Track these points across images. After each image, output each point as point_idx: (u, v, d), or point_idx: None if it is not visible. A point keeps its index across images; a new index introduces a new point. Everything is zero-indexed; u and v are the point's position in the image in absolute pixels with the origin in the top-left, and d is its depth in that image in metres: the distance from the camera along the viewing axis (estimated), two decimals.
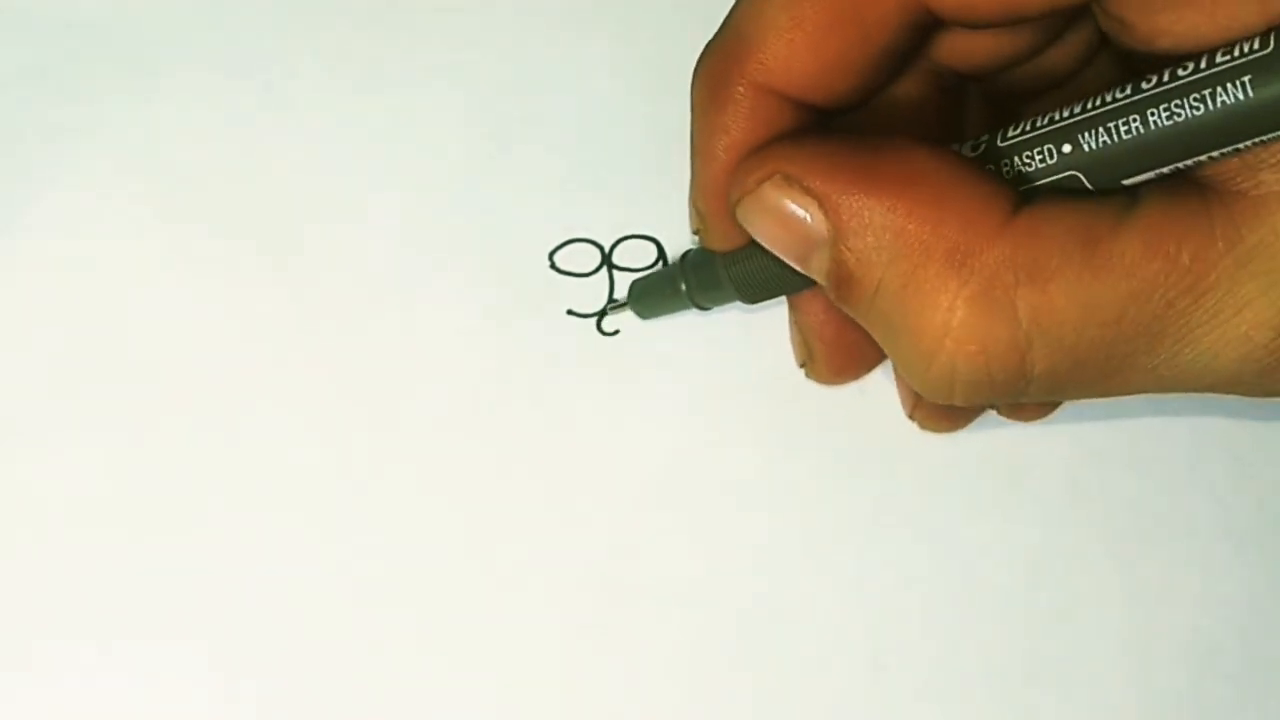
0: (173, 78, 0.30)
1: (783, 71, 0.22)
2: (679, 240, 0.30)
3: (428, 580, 0.29)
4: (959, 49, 0.24)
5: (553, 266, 0.30)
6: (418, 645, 0.28)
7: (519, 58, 0.31)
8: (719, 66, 0.23)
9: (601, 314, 0.30)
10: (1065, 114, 0.21)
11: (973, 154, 0.22)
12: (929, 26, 0.22)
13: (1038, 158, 0.21)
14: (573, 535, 0.29)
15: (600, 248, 0.30)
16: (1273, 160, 0.19)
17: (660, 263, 0.30)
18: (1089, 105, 0.21)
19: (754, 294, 0.26)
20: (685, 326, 0.30)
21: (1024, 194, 0.21)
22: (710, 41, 0.24)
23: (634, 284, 0.29)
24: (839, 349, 0.28)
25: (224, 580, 0.28)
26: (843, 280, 0.22)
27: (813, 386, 0.30)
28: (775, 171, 0.22)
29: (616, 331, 0.30)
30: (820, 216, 0.21)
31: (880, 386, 0.30)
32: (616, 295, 0.30)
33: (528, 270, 0.30)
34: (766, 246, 0.23)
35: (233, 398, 0.29)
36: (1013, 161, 0.22)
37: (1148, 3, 0.20)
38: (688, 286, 0.28)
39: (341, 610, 0.28)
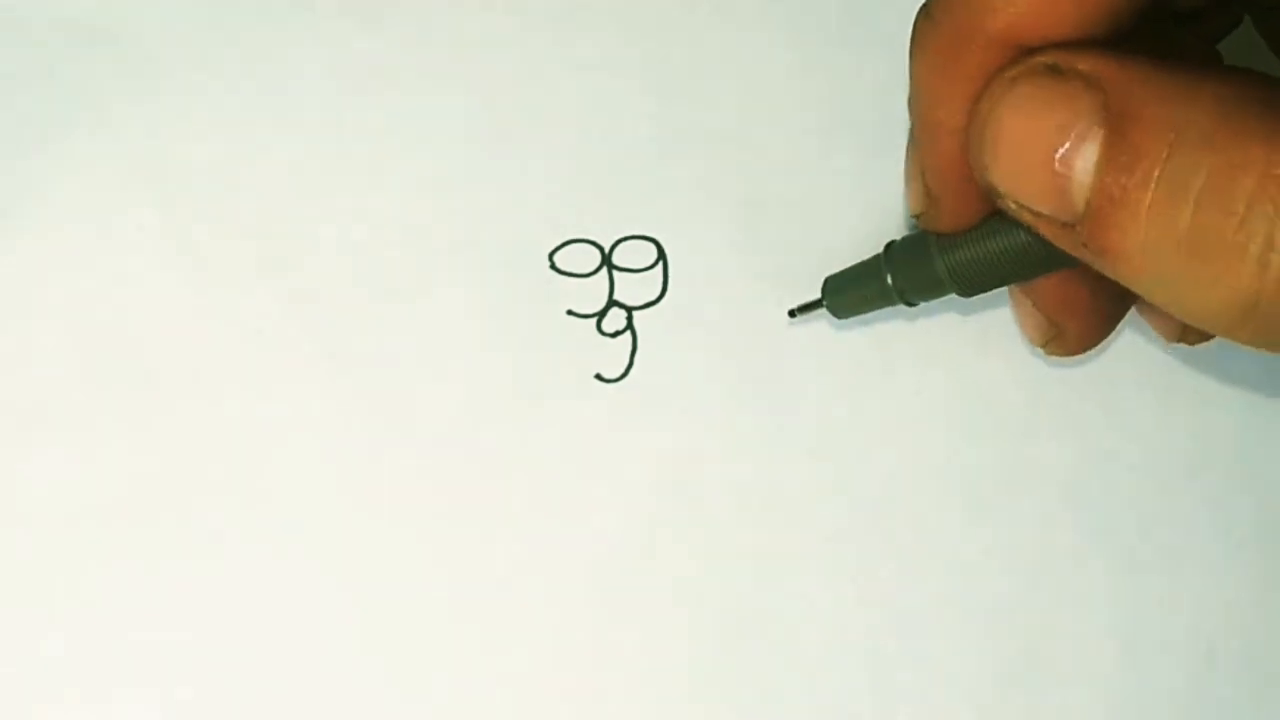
0: (173, 78, 0.30)
1: (1038, 24, 0.19)
2: (679, 240, 0.30)
3: (429, 580, 0.29)
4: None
5: (553, 267, 0.30)
6: (418, 645, 0.28)
7: (519, 57, 0.31)
8: (956, 24, 0.20)
9: (791, 313, 0.28)
10: None
11: None
12: None
13: None
14: (572, 535, 0.29)
15: (600, 248, 0.30)
16: None
17: (660, 264, 0.30)
18: None
19: (975, 284, 0.24)
20: (686, 326, 0.30)
21: None
22: (927, 5, 0.21)
23: (829, 280, 0.27)
24: (1087, 313, 0.25)
25: (224, 580, 0.28)
26: (1125, 155, 0.18)
27: (799, 390, 0.30)
28: (1034, 65, 0.19)
29: (617, 332, 0.30)
30: (1093, 99, 0.18)
31: (881, 387, 0.30)
32: (618, 297, 0.29)
33: (528, 270, 0.30)
34: (1013, 174, 0.20)
35: (233, 397, 0.29)
36: None
37: None
38: (894, 279, 0.25)
39: (342, 610, 0.28)
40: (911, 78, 0.22)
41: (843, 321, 0.28)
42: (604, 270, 0.30)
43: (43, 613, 0.28)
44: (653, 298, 0.30)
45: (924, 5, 0.21)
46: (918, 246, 0.25)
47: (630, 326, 0.30)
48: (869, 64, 0.31)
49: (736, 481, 0.29)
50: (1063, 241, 0.20)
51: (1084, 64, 0.19)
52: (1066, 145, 0.19)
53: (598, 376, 0.30)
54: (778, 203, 0.30)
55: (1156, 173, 0.18)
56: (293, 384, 0.29)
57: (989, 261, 0.23)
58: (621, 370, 0.30)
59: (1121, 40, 0.20)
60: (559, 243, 0.30)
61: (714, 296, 0.30)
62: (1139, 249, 0.18)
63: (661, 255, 0.30)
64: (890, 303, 0.26)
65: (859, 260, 0.27)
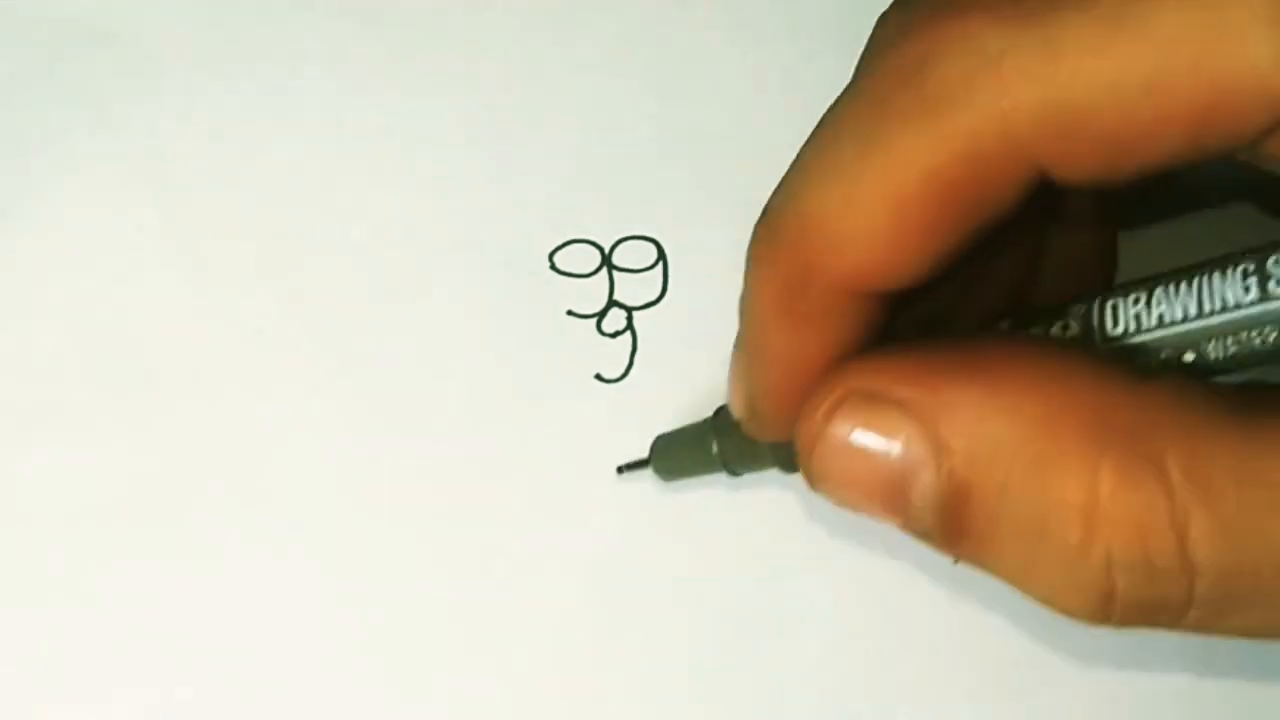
0: (173, 78, 0.30)
1: (878, 273, 0.18)
2: (679, 240, 0.30)
3: (428, 580, 0.29)
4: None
5: (553, 267, 0.30)
6: (418, 645, 0.28)
7: (519, 57, 0.31)
8: (795, 267, 0.19)
9: (619, 469, 0.28)
10: (1178, 315, 0.18)
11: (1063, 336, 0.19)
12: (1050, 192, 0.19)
13: (1156, 356, 0.18)
14: (572, 535, 0.29)
15: (600, 248, 0.30)
16: None
17: (660, 264, 0.30)
18: (1205, 306, 0.18)
19: (795, 464, 0.23)
20: (686, 326, 0.30)
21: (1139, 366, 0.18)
22: (771, 228, 0.20)
23: (658, 440, 0.27)
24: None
25: (223, 580, 0.28)
26: (958, 499, 0.18)
27: None
28: (849, 393, 0.19)
29: (617, 332, 0.30)
30: (914, 430, 0.18)
31: None
32: (618, 297, 0.29)
33: (528, 270, 0.30)
34: (848, 502, 0.19)
35: (233, 397, 0.29)
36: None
37: None
38: (721, 450, 0.25)
39: (342, 610, 0.28)
40: (745, 293, 0.21)
41: None
42: (604, 270, 0.30)
43: (42, 612, 0.28)
44: (653, 298, 0.30)
45: (764, 212, 0.20)
46: None
47: (630, 326, 0.30)
48: None
49: (738, 480, 0.29)
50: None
51: (901, 390, 0.18)
52: (898, 483, 0.19)
53: (598, 376, 0.30)
54: None
55: (992, 509, 0.18)
56: (293, 384, 0.29)
57: None
58: (621, 370, 0.30)
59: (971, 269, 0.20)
60: (559, 243, 0.30)
61: (714, 296, 0.30)
62: (990, 559, 0.19)
63: (661, 255, 0.30)
64: (715, 470, 0.25)
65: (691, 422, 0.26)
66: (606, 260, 0.30)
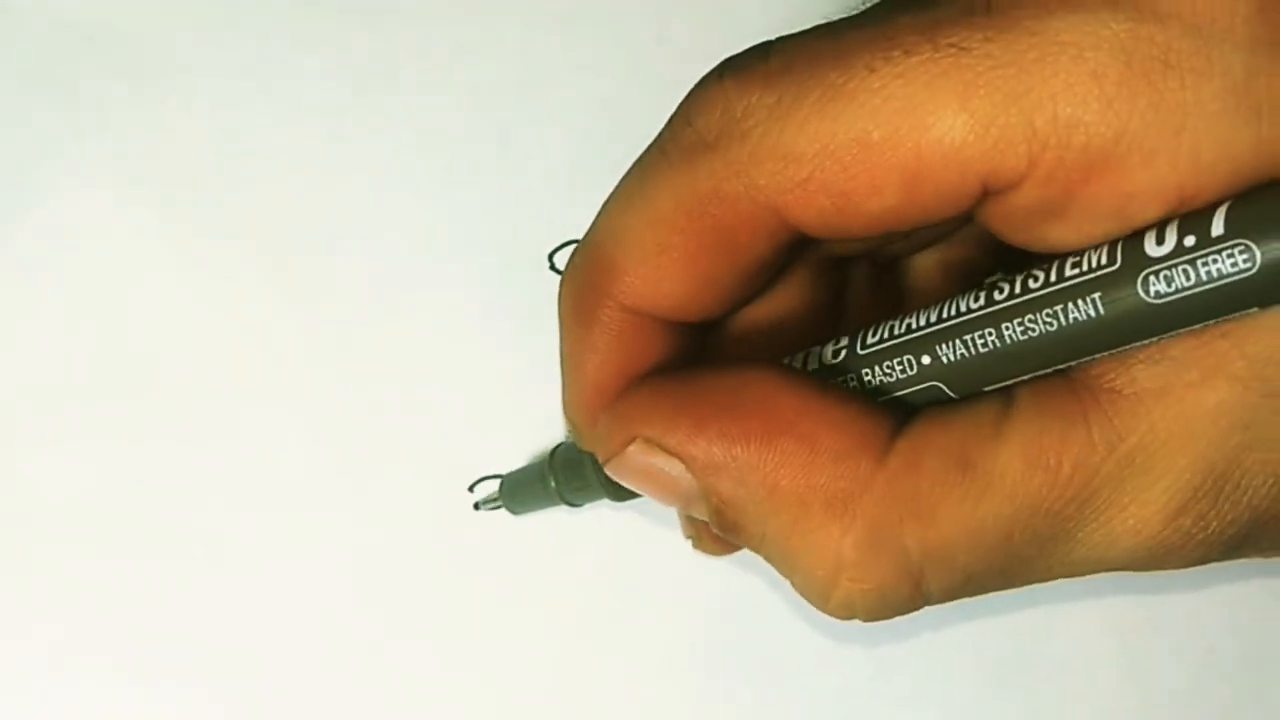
0: (173, 78, 0.30)
1: (650, 295, 0.21)
2: None
3: (428, 580, 0.29)
4: (834, 246, 0.23)
5: (552, 267, 0.30)
6: (418, 645, 0.28)
7: (519, 58, 0.31)
8: (584, 284, 0.22)
9: (476, 506, 0.29)
10: (921, 322, 0.20)
11: (834, 360, 0.22)
12: (803, 240, 0.21)
13: (898, 368, 0.21)
14: (572, 534, 0.29)
15: None
16: (1144, 357, 0.19)
17: None
18: (944, 314, 0.20)
19: (624, 494, 0.25)
20: None
21: (898, 409, 0.21)
22: (574, 254, 0.23)
23: (505, 479, 0.29)
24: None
25: (222, 580, 0.28)
26: (727, 527, 0.21)
27: None
28: (634, 436, 0.21)
29: None
30: (689, 476, 0.21)
31: None
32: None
33: (528, 270, 0.30)
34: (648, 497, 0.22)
35: (233, 397, 0.29)
36: (874, 370, 0.21)
37: (1016, 220, 0.19)
38: (557, 484, 0.27)
39: (342, 610, 0.28)
40: (558, 313, 0.23)
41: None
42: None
43: (42, 612, 0.28)
44: None
45: (575, 250, 0.23)
46: (575, 455, 0.26)
47: None
48: None
49: None
50: None
51: (678, 444, 0.21)
52: (681, 495, 0.21)
53: None
54: None
55: (754, 544, 0.21)
56: (292, 383, 0.29)
57: None
58: None
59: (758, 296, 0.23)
60: (559, 243, 0.30)
61: None
62: (761, 554, 0.22)
63: None
64: (555, 503, 0.27)
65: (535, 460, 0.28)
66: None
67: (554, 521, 0.29)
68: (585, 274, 0.22)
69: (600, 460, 0.22)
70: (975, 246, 0.25)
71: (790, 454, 0.20)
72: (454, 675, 0.28)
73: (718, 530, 0.22)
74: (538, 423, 0.29)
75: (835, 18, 0.20)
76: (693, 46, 0.31)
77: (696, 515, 0.22)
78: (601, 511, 0.29)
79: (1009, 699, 0.29)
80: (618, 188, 0.22)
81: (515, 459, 0.29)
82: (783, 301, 0.24)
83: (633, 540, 0.29)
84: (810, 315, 0.24)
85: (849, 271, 0.25)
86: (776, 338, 0.23)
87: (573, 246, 0.31)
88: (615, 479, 0.22)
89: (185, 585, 0.28)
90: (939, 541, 0.20)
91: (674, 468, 0.21)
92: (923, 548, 0.20)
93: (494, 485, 0.29)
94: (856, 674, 0.29)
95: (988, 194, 0.19)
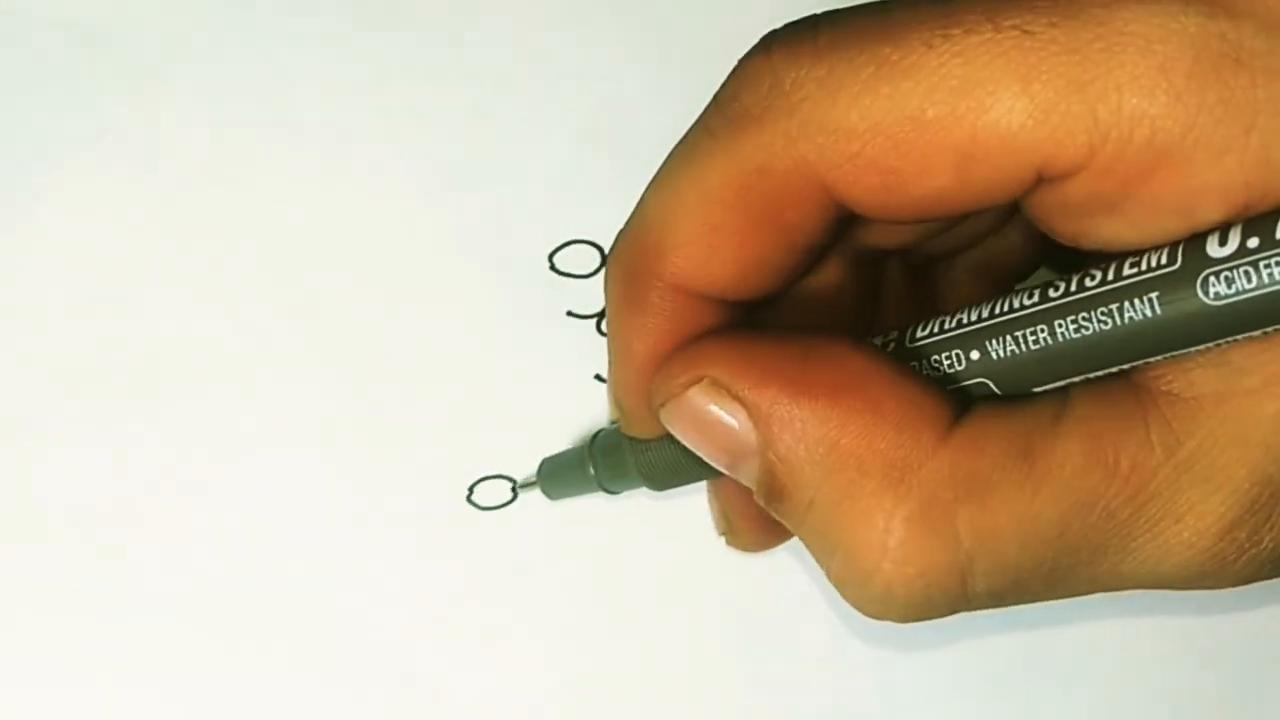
0: (173, 78, 0.30)
1: (700, 274, 0.21)
2: None
3: (428, 580, 0.29)
4: (878, 232, 0.23)
5: (552, 267, 0.30)
6: (419, 645, 0.28)
7: (519, 58, 0.31)
8: (633, 265, 0.22)
9: (514, 492, 0.29)
10: (973, 318, 0.20)
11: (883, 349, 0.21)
12: (850, 220, 0.21)
13: (946, 363, 0.20)
14: (573, 534, 0.29)
15: (600, 248, 0.30)
16: (1203, 361, 0.18)
17: None
18: (997, 310, 0.20)
19: (664, 482, 0.25)
20: None
21: (961, 400, 0.20)
22: (622, 232, 0.23)
23: (544, 463, 0.28)
24: (760, 524, 0.26)
25: (222, 580, 0.28)
26: (774, 492, 0.21)
27: None
28: (702, 376, 0.21)
29: None
30: (750, 425, 0.20)
31: None
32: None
33: (528, 270, 0.30)
34: (693, 450, 0.22)
35: (233, 398, 0.29)
36: (922, 364, 0.21)
37: (1069, 211, 0.19)
38: (596, 470, 0.26)
39: (343, 610, 0.28)
40: (606, 295, 0.23)
41: None
42: (604, 271, 0.30)
43: (41, 611, 0.28)
44: None
45: (623, 229, 0.23)
46: (615, 441, 0.26)
47: None
48: None
49: None
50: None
51: (744, 390, 0.20)
52: (732, 449, 0.21)
53: (597, 377, 0.30)
54: None
55: (800, 512, 0.21)
56: (293, 384, 0.29)
57: (673, 464, 0.24)
58: None
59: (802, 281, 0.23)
60: (559, 243, 0.30)
61: None
62: (798, 534, 0.21)
63: None
64: (593, 490, 0.27)
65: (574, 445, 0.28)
66: (606, 260, 0.30)
67: (555, 524, 0.29)
68: (633, 256, 0.22)
69: (657, 404, 0.22)
70: (1010, 253, 0.24)
71: (856, 414, 0.20)
72: (453, 675, 0.28)
73: (761, 499, 0.21)
74: (538, 422, 0.29)
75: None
76: (694, 46, 0.31)
77: (741, 477, 0.21)
78: (600, 509, 0.29)
79: (1009, 699, 0.29)
80: (661, 169, 0.21)
81: (516, 459, 0.29)
82: (822, 288, 0.23)
83: (632, 540, 0.29)
84: (843, 310, 0.24)
85: (883, 269, 0.25)
86: (817, 323, 0.23)
87: (573, 246, 0.31)
88: (668, 425, 0.22)
89: (185, 585, 0.28)
90: (992, 528, 0.19)
91: (736, 415, 0.21)
92: (975, 534, 0.19)
93: (503, 485, 0.29)
94: (857, 674, 0.29)
95: (1041, 182, 0.18)
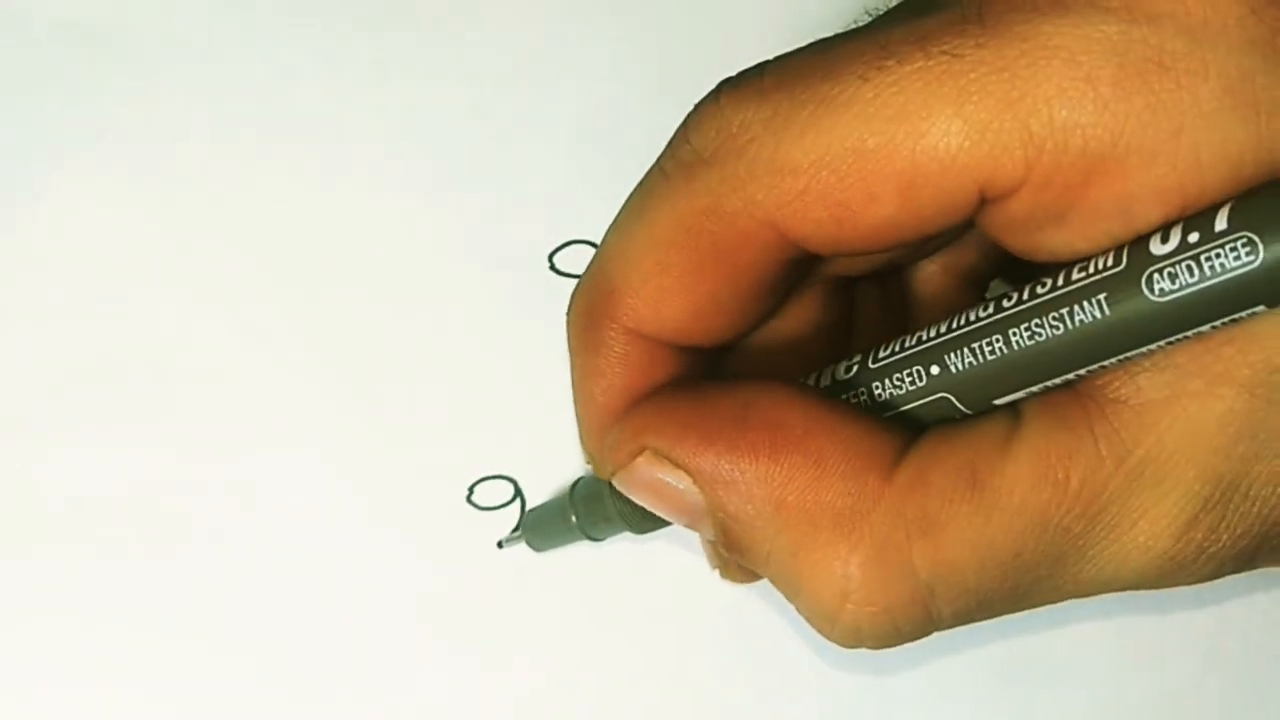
0: (173, 78, 0.30)
1: (653, 316, 0.21)
2: None
3: (429, 580, 0.29)
4: (845, 262, 0.23)
5: (552, 268, 0.30)
6: (419, 645, 0.28)
7: (519, 58, 0.31)
8: (588, 310, 0.22)
9: (500, 545, 0.29)
10: (931, 334, 0.21)
11: (846, 375, 0.22)
12: (807, 259, 0.21)
13: (908, 379, 0.21)
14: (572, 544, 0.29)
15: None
16: (1150, 365, 0.19)
17: None
18: (953, 325, 0.20)
19: (644, 526, 0.25)
20: None
21: (907, 426, 0.21)
22: (580, 280, 0.23)
23: (527, 514, 0.29)
24: None
25: (222, 581, 0.28)
26: (732, 546, 0.21)
27: None
28: (643, 447, 0.21)
29: None
30: (695, 490, 0.21)
31: None
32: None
33: (528, 270, 0.30)
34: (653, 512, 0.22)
35: (233, 397, 0.29)
36: (884, 384, 0.21)
37: (1018, 227, 0.19)
38: (578, 518, 0.26)
39: (343, 611, 0.28)
40: (566, 339, 0.23)
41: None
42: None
43: (41, 611, 0.28)
44: None
45: (581, 277, 0.23)
46: (596, 489, 0.26)
47: None
48: None
49: None
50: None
51: (686, 456, 0.20)
52: (688, 510, 0.21)
53: None
54: None
55: (760, 563, 0.21)
56: (293, 384, 0.29)
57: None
58: None
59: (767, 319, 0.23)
60: (559, 243, 0.30)
61: None
62: (766, 575, 0.22)
63: None
64: (578, 538, 0.27)
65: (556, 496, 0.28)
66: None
67: None
68: (589, 297, 0.22)
69: (608, 473, 0.22)
70: (979, 252, 0.24)
71: (797, 470, 0.20)
72: (453, 675, 0.28)
73: (724, 550, 0.21)
74: (538, 422, 0.29)
75: (835, 18, 0.20)
76: (694, 47, 0.31)
77: (703, 533, 0.22)
78: None
79: (1009, 699, 0.29)
80: (620, 210, 0.22)
81: (516, 459, 0.29)
82: (793, 325, 0.23)
83: (632, 541, 0.29)
84: (821, 337, 0.24)
85: (857, 291, 0.25)
86: (788, 361, 0.23)
87: (573, 246, 0.31)
88: (624, 492, 0.22)
89: (185, 585, 0.28)
90: (948, 560, 0.19)
91: (681, 481, 0.21)
92: (932, 567, 0.19)
93: (505, 499, 0.29)
94: (857, 674, 0.29)
95: (986, 201, 0.18)
